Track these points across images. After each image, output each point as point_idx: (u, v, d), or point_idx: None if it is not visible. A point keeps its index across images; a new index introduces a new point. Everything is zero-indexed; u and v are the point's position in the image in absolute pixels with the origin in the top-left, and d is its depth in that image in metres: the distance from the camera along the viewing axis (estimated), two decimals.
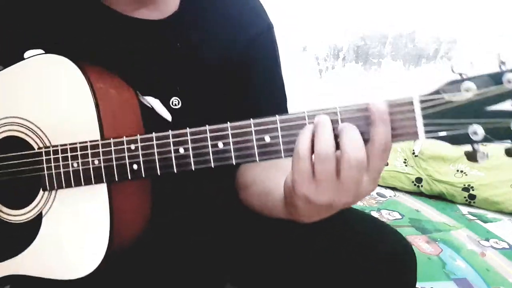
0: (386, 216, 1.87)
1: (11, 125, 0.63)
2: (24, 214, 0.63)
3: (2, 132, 0.64)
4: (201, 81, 0.67)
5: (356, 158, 0.46)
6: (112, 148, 0.57)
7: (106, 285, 0.65)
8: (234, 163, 0.52)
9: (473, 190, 1.96)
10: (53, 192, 0.61)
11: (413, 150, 2.09)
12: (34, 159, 0.61)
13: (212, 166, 0.52)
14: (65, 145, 0.59)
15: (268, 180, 0.64)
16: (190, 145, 0.53)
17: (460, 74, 0.48)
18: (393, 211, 1.92)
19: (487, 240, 1.72)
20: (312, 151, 0.47)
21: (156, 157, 0.55)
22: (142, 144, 0.56)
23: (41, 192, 0.62)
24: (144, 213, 0.65)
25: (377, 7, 2.41)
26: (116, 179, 0.58)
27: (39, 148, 0.61)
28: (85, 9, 0.66)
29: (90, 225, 0.60)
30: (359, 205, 1.94)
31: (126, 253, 0.63)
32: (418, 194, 2.04)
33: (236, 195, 0.72)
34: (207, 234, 0.73)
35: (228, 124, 0.52)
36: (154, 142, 0.55)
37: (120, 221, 0.60)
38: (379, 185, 2.10)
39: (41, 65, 0.62)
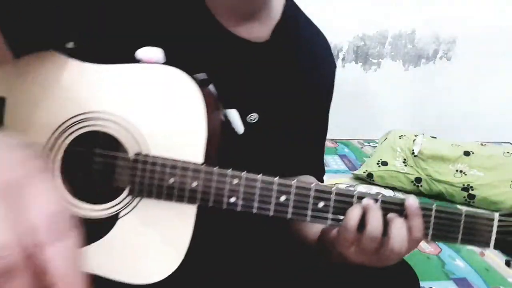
0: None
1: (106, 121, 0.62)
2: (99, 211, 0.62)
3: (94, 125, 0.62)
4: (280, 103, 0.74)
5: (399, 249, 0.57)
6: (215, 177, 0.59)
7: None
8: (288, 218, 0.60)
9: (472, 190, 1.96)
10: (138, 198, 0.61)
11: (413, 150, 2.09)
12: (129, 164, 0.61)
13: (308, 220, 0.59)
14: (167, 159, 0.60)
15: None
16: (292, 197, 0.59)
17: None
18: None
19: None
20: (359, 227, 0.57)
21: (257, 197, 0.59)
22: (246, 182, 0.59)
23: (125, 194, 0.61)
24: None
25: (376, 7, 2.41)
26: (209, 206, 0.60)
27: (136, 153, 0.61)
28: (194, 15, 0.69)
29: (168, 238, 0.61)
30: None
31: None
32: (418, 194, 2.04)
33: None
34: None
35: (313, 187, 0.59)
36: (259, 185, 0.59)
37: (193, 240, 0.61)
38: (378, 185, 2.10)
39: (158, 75, 0.62)
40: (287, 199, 0.59)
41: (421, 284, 0.71)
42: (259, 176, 0.59)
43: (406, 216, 0.57)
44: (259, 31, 0.72)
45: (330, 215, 0.59)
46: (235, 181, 0.59)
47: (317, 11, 2.42)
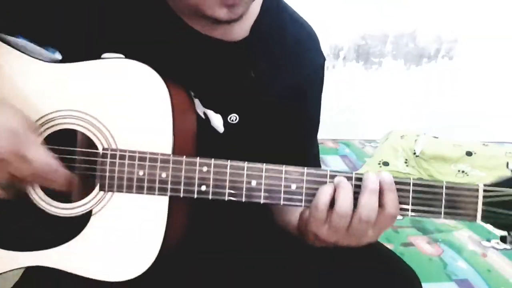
0: None
1: (75, 118, 0.63)
2: (72, 208, 0.62)
3: (64, 123, 0.63)
4: (260, 103, 0.71)
5: (367, 218, 0.56)
6: (184, 166, 0.59)
7: None
8: (261, 203, 0.59)
9: None
10: (110, 193, 0.62)
11: (414, 151, 2.08)
12: (98, 158, 0.61)
13: (281, 203, 0.59)
14: (134, 152, 0.60)
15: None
16: (263, 180, 0.59)
17: None
18: None
19: (489, 240, 1.71)
20: (330, 204, 0.57)
21: (227, 184, 0.59)
22: (215, 169, 0.59)
23: (96, 190, 0.62)
24: (184, 228, 0.66)
25: (378, 6, 2.40)
26: (181, 196, 0.60)
27: (105, 148, 0.61)
28: (164, 21, 0.68)
29: (142, 232, 0.61)
30: None
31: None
32: None
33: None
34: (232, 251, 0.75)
35: (287, 168, 0.59)
36: (228, 170, 0.59)
37: (171, 234, 0.61)
38: None
39: (123, 69, 0.62)
40: (258, 183, 0.59)
41: (423, 285, 0.70)
42: (228, 162, 0.59)
43: (380, 192, 0.57)
44: (234, 29, 0.69)
45: (303, 197, 0.59)
46: (205, 168, 0.59)
47: (318, 10, 2.42)
